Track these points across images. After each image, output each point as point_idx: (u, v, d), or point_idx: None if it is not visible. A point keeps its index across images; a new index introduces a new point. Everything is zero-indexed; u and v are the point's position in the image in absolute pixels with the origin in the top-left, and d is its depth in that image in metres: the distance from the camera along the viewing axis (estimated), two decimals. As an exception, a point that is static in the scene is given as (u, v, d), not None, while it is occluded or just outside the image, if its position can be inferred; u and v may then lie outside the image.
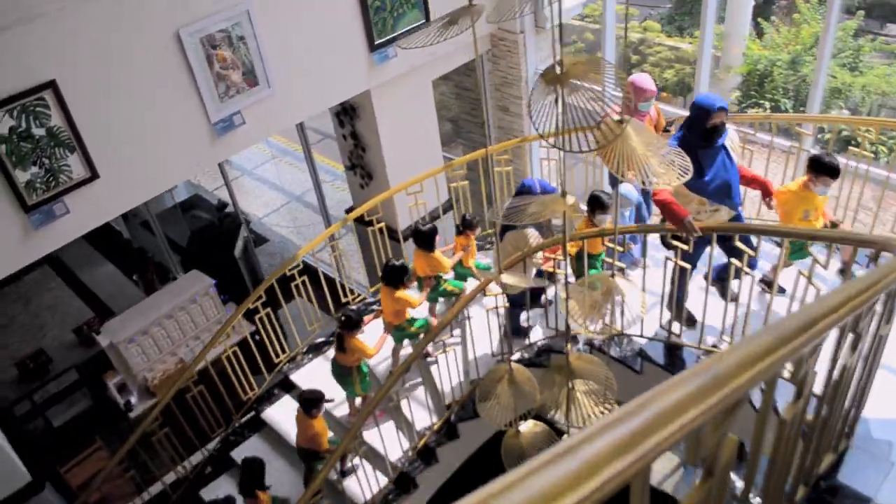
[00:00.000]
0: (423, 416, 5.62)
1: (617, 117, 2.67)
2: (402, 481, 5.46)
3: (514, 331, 5.71)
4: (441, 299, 6.31)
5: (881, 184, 5.64)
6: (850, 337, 2.24)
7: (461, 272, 6.14)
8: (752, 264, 4.49)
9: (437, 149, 7.38)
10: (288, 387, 6.55)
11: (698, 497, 1.38)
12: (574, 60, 2.63)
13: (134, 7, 4.51)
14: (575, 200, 3.00)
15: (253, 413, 6.50)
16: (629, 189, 5.58)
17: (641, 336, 5.06)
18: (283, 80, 5.42)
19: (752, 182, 4.84)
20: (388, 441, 5.28)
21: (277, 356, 6.44)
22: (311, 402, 5.24)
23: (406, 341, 5.88)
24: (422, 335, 5.56)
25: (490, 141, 8.24)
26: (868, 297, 1.88)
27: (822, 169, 4.74)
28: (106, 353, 6.87)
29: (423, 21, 6.21)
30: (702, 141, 4.29)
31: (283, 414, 6.27)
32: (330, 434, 5.47)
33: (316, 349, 6.72)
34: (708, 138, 4.30)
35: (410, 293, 5.61)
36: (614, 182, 5.57)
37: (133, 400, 7.02)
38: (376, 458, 5.42)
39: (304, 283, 6.26)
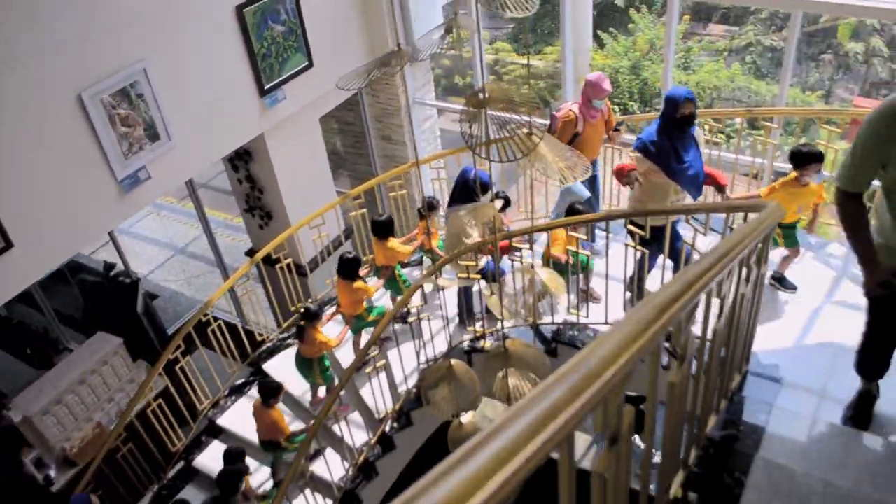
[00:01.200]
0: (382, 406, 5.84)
1: (539, 133, 3.11)
2: (365, 469, 5.69)
3: (469, 311, 6.01)
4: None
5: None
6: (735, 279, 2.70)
7: (426, 256, 6.46)
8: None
9: (330, 182, 7.69)
10: (216, 432, 6.61)
11: (606, 463, 1.54)
12: (494, 87, 3.09)
13: (36, 73, 4.60)
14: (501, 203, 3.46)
15: (183, 463, 6.51)
16: (577, 185, 5.83)
17: (605, 323, 5.33)
18: (183, 133, 5.60)
19: (707, 175, 4.99)
20: (351, 430, 5.51)
21: (201, 403, 6.50)
22: (268, 392, 5.44)
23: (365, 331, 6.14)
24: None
25: (376, 170, 8.64)
26: (739, 249, 2.27)
27: (809, 159, 4.89)
28: (10, 431, 6.65)
29: (307, 63, 6.54)
30: (675, 130, 4.60)
31: (214, 460, 6.32)
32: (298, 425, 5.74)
33: (238, 391, 6.81)
34: (680, 127, 4.60)
35: (366, 283, 5.94)
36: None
37: (52, 473, 6.84)
38: (341, 447, 5.65)
39: (219, 327, 6.39)
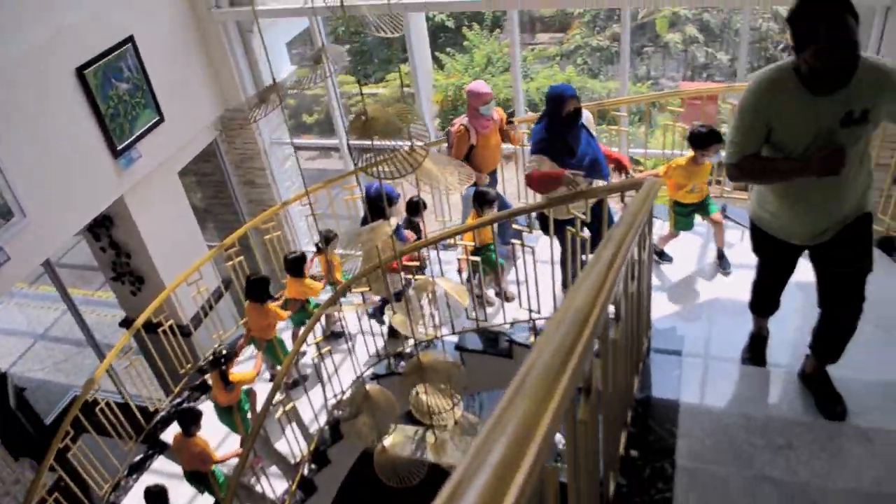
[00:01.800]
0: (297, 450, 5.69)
1: (421, 150, 3.19)
2: (305, 485, 5.54)
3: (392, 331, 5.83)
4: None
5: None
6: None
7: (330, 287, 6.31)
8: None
9: (199, 235, 7.48)
10: (121, 515, 6.23)
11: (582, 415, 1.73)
12: (376, 109, 3.16)
13: None
14: (395, 224, 3.50)
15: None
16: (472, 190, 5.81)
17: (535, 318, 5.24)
18: (37, 207, 5.31)
19: (608, 159, 4.92)
20: (270, 481, 5.37)
21: (101, 488, 6.11)
22: (187, 420, 5.20)
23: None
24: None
25: (243, 217, 8.47)
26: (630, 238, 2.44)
27: (711, 138, 4.92)
28: None
29: (158, 118, 6.36)
30: (564, 127, 4.53)
31: (124, 544, 5.97)
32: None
33: (138, 468, 6.45)
34: (568, 123, 4.53)
35: (278, 308, 5.81)
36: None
37: None
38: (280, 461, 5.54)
39: (107, 404, 6.04)
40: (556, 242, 5.06)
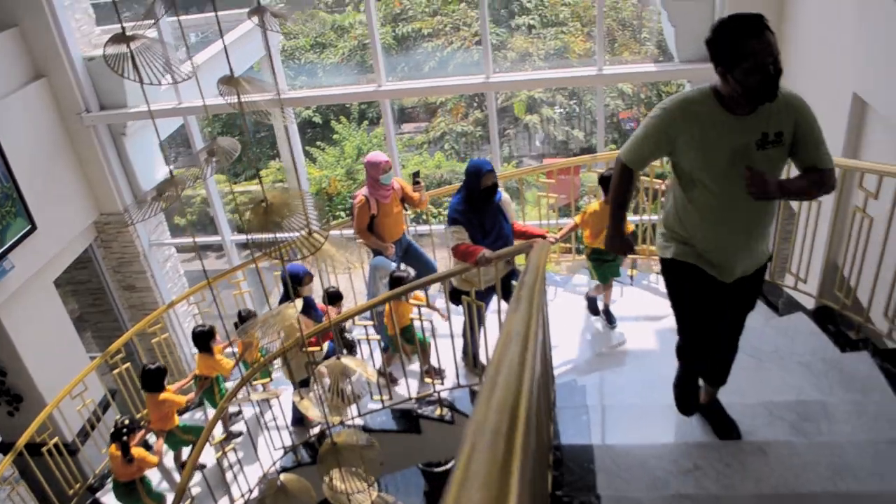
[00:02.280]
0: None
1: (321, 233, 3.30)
2: None
3: (297, 421, 5.69)
4: None
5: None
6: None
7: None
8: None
9: (79, 344, 7.15)
10: None
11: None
12: (275, 194, 3.25)
13: None
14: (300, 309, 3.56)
15: None
16: (381, 260, 5.80)
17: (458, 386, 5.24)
18: None
19: (524, 235, 4.89)
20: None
21: None
22: (120, 433, 5.15)
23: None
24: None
25: (124, 323, 8.17)
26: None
27: (601, 184, 5.04)
28: None
29: (30, 227, 6.14)
30: (480, 201, 4.57)
31: None
32: None
33: None
34: (483, 199, 4.57)
35: (175, 395, 5.57)
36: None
37: None
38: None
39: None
40: (454, 313, 5.15)
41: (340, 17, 16.82)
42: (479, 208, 4.60)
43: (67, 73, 7.02)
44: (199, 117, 7.94)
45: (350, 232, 6.43)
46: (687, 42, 6.40)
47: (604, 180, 5.01)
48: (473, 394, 5.14)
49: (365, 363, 4.39)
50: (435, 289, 6.36)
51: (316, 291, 6.05)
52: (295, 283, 5.18)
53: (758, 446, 3.16)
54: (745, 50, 2.52)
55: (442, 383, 5.25)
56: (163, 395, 5.49)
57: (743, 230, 2.89)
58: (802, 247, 4.64)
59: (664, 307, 4.78)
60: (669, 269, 3.10)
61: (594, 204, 5.25)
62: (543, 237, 4.77)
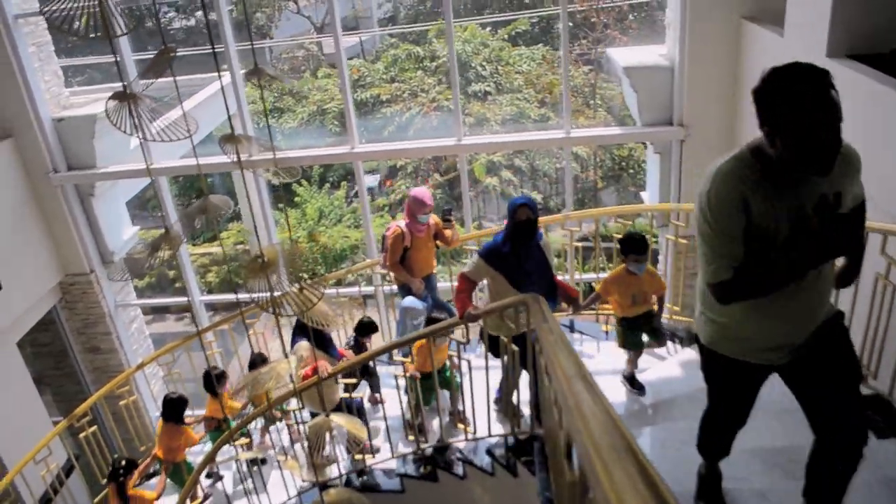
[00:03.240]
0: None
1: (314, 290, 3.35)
2: None
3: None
4: None
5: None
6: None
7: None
8: None
9: (42, 409, 6.94)
10: None
11: None
12: (270, 251, 3.31)
13: None
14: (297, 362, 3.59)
15: None
16: (411, 301, 5.71)
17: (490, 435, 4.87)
18: None
19: (561, 289, 4.65)
20: None
21: None
22: (117, 472, 5.10)
23: None
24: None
25: (87, 386, 7.97)
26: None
27: (624, 246, 4.58)
28: None
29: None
30: (518, 237, 4.34)
31: None
32: None
33: None
34: (521, 233, 4.32)
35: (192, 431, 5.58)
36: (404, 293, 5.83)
37: None
38: None
39: None
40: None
41: (299, 83, 17.08)
42: (518, 249, 4.36)
43: (36, 134, 7.02)
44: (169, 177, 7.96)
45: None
46: (649, 107, 6.72)
47: (624, 242, 4.60)
48: (518, 442, 4.68)
49: (356, 422, 4.40)
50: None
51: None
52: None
53: (758, 492, 3.22)
54: (794, 111, 2.05)
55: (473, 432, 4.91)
56: (185, 428, 5.48)
57: (803, 307, 2.45)
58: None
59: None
60: (704, 351, 2.71)
61: (615, 269, 4.82)
62: (576, 298, 4.66)
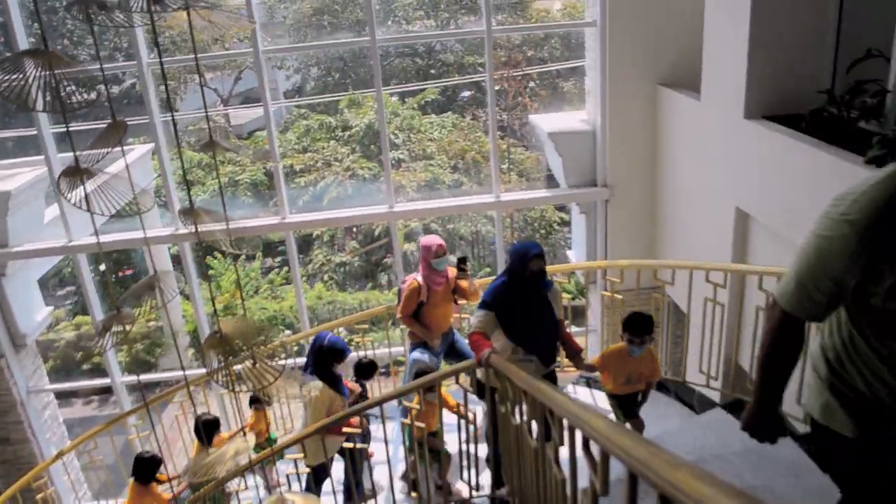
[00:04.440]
0: None
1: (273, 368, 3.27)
2: None
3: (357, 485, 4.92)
4: None
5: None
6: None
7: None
8: None
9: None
10: None
11: None
12: (226, 325, 3.23)
13: None
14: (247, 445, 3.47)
15: None
16: (419, 353, 5.35)
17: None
18: None
19: (564, 341, 4.45)
20: None
21: None
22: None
23: None
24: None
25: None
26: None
27: (625, 326, 4.30)
28: None
29: None
30: (525, 287, 4.10)
31: None
32: None
33: None
34: (530, 284, 4.10)
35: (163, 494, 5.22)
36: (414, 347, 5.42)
37: None
38: None
39: None
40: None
41: (207, 157, 16.81)
42: (522, 295, 4.13)
43: (-58, 214, 6.64)
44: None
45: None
46: (573, 170, 6.99)
47: (629, 322, 4.28)
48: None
49: (314, 499, 4.25)
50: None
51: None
52: (341, 354, 4.79)
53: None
54: None
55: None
56: (154, 489, 5.21)
57: None
58: (709, 348, 5.04)
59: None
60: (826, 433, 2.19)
61: (616, 345, 4.55)
62: (579, 353, 4.44)
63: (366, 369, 5.56)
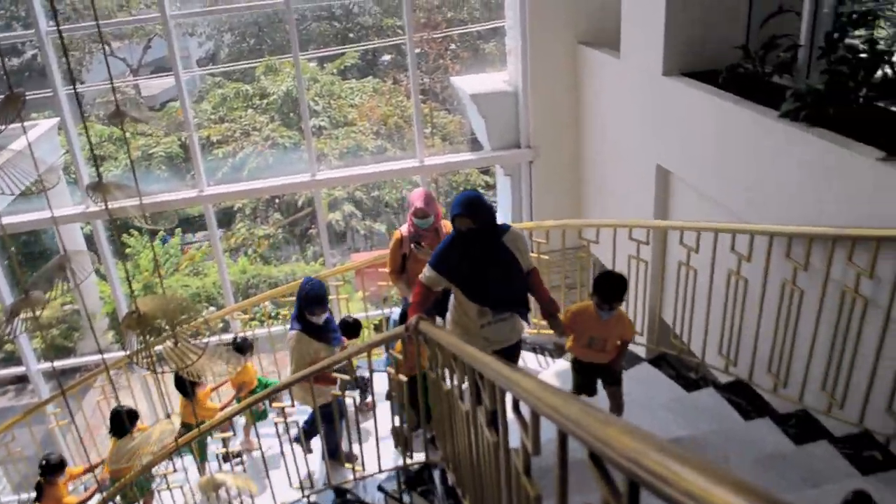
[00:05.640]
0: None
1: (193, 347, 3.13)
2: None
3: (332, 453, 4.74)
4: None
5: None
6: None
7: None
8: None
9: None
10: None
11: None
12: (145, 303, 3.08)
13: None
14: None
15: None
16: (398, 312, 5.21)
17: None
18: None
19: (539, 298, 3.98)
20: None
21: None
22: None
23: None
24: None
25: None
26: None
27: (596, 287, 3.80)
28: None
29: None
30: (467, 243, 3.71)
31: None
32: None
33: None
34: (473, 239, 3.69)
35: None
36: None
37: None
38: None
39: None
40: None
41: (118, 130, 16.11)
42: (470, 251, 3.71)
43: None
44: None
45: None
46: (496, 132, 6.96)
47: (600, 283, 3.80)
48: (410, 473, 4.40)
49: (244, 477, 4.16)
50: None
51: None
52: (315, 304, 4.55)
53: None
54: None
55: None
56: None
57: None
58: (633, 304, 5.12)
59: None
60: None
61: (583, 303, 4.13)
62: (556, 315, 3.96)
63: (351, 328, 5.40)
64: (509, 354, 3.98)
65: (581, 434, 1.28)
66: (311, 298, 4.53)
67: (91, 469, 5.27)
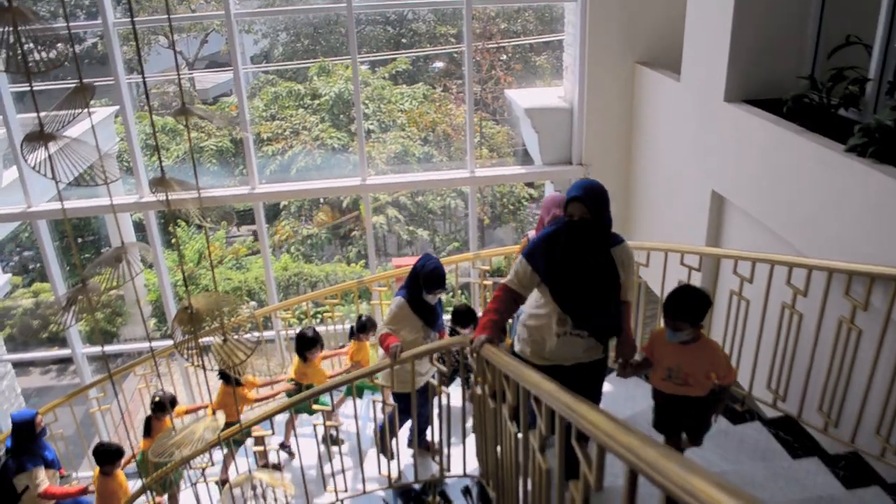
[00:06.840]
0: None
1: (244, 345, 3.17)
2: None
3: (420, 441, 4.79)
4: None
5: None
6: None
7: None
8: None
9: None
10: None
11: None
12: (198, 300, 3.12)
13: None
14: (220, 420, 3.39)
15: None
16: None
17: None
18: None
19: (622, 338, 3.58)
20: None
21: None
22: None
23: None
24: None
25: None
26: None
27: (667, 305, 3.38)
28: None
29: None
30: (572, 238, 3.30)
31: None
32: None
33: None
34: (578, 235, 3.27)
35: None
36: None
37: None
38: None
39: None
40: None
41: (171, 121, 16.43)
42: (571, 248, 3.28)
43: None
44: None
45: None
46: (549, 147, 6.93)
47: (667, 298, 3.38)
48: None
49: (280, 477, 4.17)
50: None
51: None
52: (438, 283, 4.43)
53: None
54: None
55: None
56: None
57: None
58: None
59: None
60: None
61: (660, 327, 3.57)
62: (630, 355, 3.54)
63: (464, 316, 5.21)
64: (590, 376, 3.55)
65: (659, 479, 1.25)
66: (436, 277, 4.33)
67: (197, 409, 5.76)
